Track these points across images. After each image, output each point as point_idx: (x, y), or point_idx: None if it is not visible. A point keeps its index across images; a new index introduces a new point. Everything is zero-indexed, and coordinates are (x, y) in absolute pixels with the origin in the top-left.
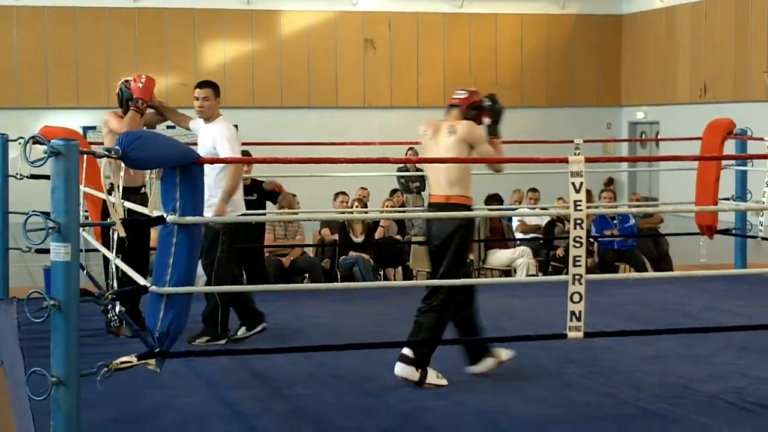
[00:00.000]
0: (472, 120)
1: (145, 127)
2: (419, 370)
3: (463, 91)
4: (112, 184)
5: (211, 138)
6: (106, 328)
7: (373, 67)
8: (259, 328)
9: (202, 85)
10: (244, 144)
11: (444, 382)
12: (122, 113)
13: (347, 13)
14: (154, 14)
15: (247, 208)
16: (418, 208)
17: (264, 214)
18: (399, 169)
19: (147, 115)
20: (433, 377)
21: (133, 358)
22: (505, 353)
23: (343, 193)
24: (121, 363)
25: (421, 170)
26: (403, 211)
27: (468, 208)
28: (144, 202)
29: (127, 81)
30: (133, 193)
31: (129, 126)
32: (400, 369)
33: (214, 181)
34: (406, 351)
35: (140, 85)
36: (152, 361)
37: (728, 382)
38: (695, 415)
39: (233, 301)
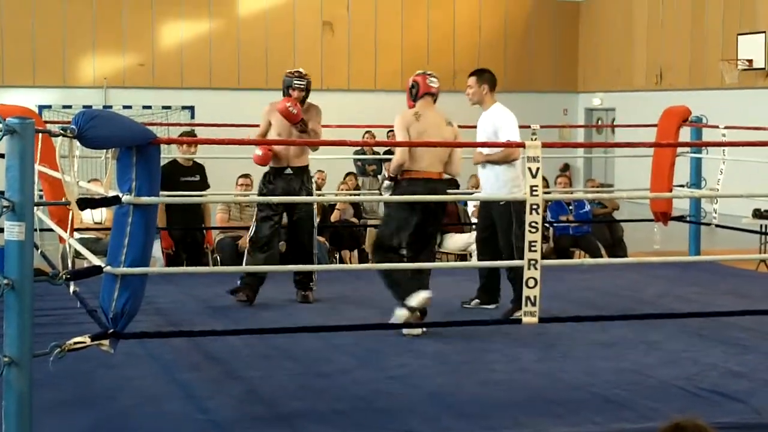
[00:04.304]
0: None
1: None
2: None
3: (436, 79)
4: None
5: (491, 123)
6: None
7: (331, 50)
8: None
9: (469, 74)
10: (198, 125)
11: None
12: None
13: None
14: None
15: (190, 189)
16: (374, 192)
17: (203, 195)
18: (356, 152)
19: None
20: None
21: (86, 339)
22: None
23: None
24: (75, 343)
25: (377, 153)
26: (358, 194)
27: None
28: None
29: (290, 73)
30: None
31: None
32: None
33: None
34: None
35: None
36: (106, 342)
37: (680, 369)
38: (647, 401)
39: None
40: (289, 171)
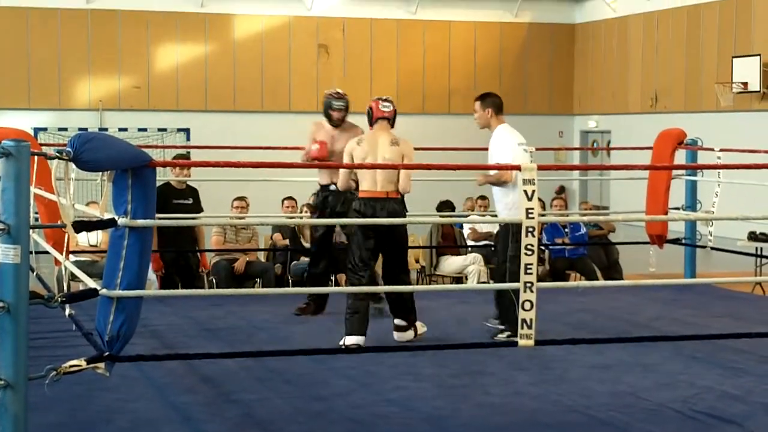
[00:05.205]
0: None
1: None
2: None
3: (390, 103)
4: None
5: (491, 146)
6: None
7: (327, 72)
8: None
9: (475, 99)
10: (193, 147)
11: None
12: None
13: (301, 18)
14: (107, 16)
15: (183, 212)
16: None
17: (197, 218)
18: None
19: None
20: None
21: (82, 362)
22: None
23: (290, 198)
24: (71, 366)
25: None
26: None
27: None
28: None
29: (329, 94)
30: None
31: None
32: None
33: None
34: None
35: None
36: (101, 365)
37: (676, 391)
38: (643, 424)
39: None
40: (333, 187)
